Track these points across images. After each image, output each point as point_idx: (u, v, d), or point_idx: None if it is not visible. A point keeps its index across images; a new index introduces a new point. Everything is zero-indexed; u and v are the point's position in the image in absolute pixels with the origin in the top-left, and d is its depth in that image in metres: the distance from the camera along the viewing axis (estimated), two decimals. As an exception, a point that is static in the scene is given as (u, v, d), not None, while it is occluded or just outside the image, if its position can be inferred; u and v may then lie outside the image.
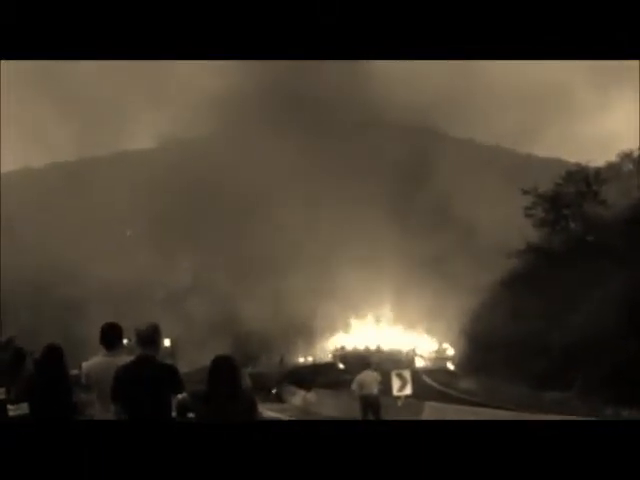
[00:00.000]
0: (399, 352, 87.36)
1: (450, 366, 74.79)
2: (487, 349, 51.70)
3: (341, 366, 69.59)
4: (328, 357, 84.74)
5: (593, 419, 11.58)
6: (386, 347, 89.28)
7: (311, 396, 34.79)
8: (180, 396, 6.52)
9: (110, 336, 7.23)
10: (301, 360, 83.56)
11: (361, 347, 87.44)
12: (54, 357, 7.61)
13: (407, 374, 22.61)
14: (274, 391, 43.58)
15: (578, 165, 57.75)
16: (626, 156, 67.65)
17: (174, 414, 6.60)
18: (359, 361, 26.12)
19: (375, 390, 18.86)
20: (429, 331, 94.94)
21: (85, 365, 7.23)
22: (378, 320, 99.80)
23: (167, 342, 58.66)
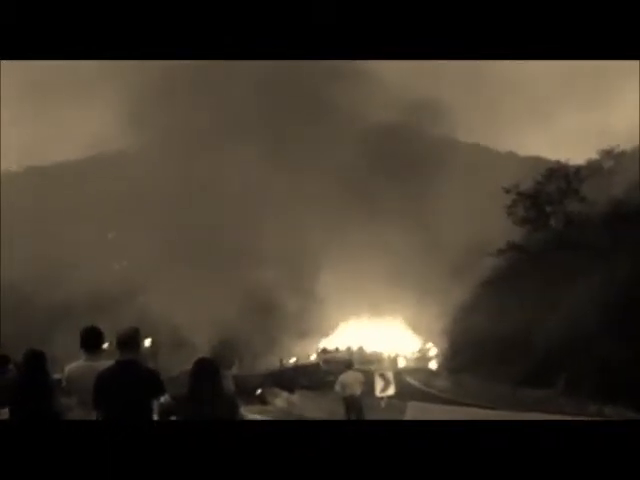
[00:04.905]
0: (382, 352, 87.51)
1: (433, 366, 74.93)
2: (470, 348, 51.91)
3: (324, 367, 69.56)
4: (311, 358, 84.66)
5: (576, 419, 11.58)
6: (369, 348, 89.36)
7: (294, 398, 34.80)
8: (163, 399, 6.47)
9: (90, 340, 7.17)
10: (284, 362, 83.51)
11: (344, 348, 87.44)
12: (36, 362, 7.55)
13: (390, 374, 22.67)
14: (258, 393, 43.47)
15: (558, 163, 58.25)
16: (606, 153, 68.14)
17: (156, 418, 6.55)
18: (342, 362, 26.12)
19: (358, 391, 18.79)
20: (412, 331, 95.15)
21: (66, 369, 7.17)
22: (361, 321, 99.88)
23: (147, 342, 58.38)
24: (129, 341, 6.55)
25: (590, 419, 10.96)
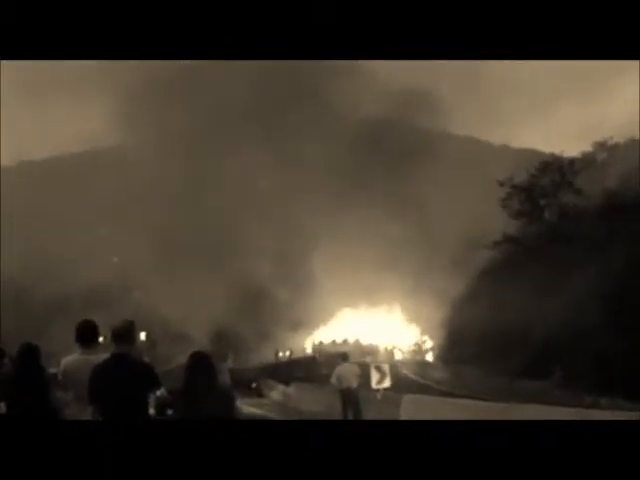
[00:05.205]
0: (378, 345, 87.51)
1: (429, 358, 75.01)
2: (466, 341, 51.95)
3: (320, 360, 69.56)
4: (307, 351, 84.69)
5: (571, 419, 11.62)
6: (365, 340, 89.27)
7: (291, 390, 34.77)
8: (159, 392, 6.49)
9: (86, 333, 7.15)
10: (280, 354, 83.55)
11: (340, 340, 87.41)
12: (30, 356, 7.56)
13: (386, 367, 22.67)
14: (253, 385, 43.46)
15: (552, 156, 58.33)
16: (600, 146, 68.23)
17: (152, 411, 6.58)
18: (338, 355, 26.17)
19: (354, 383, 18.83)
20: (407, 323, 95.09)
21: (62, 362, 7.17)
22: (357, 313, 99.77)
23: (142, 336, 58.16)
24: (124, 334, 6.56)
25: (587, 419, 10.98)
